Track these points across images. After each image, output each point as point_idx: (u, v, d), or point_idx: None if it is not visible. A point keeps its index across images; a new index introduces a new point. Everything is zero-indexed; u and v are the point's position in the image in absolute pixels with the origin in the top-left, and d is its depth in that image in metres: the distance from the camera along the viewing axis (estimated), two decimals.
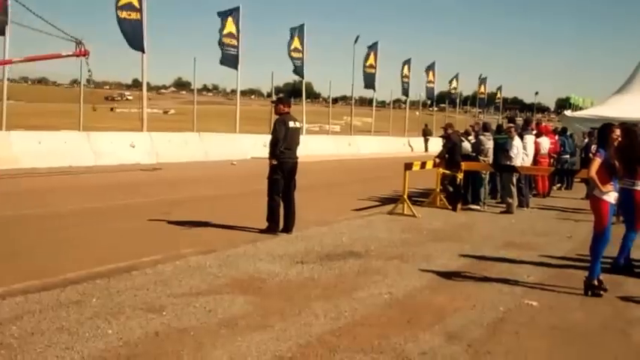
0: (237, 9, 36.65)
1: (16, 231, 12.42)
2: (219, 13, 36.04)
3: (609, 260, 10.54)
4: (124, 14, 29.81)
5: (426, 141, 55.13)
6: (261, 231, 12.74)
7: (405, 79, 57.07)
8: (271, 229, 12.75)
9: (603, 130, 9.62)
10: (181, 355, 6.26)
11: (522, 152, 18.13)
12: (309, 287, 9.00)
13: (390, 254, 11.39)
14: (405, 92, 58.46)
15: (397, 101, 76.46)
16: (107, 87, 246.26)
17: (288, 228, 12.87)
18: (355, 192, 20.50)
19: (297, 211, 12.93)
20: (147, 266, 9.63)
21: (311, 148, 35.52)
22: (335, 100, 61.04)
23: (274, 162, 12.65)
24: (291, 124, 12.74)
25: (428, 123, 59.49)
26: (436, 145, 44.36)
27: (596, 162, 9.23)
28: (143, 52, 31.09)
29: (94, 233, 12.49)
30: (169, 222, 13.77)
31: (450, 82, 69.65)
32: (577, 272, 10.29)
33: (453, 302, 8.59)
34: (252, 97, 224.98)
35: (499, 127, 21.70)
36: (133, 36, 30.49)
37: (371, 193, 20.41)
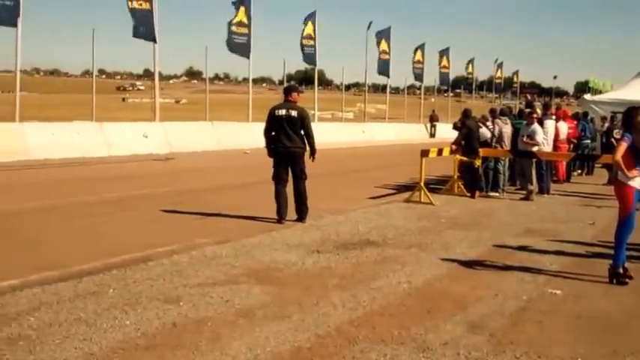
0: None
1: (31, 222, 12.51)
2: (234, 3, 35.93)
3: (634, 247, 10.47)
4: (134, 4, 29.69)
5: (433, 127, 55.08)
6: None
7: (418, 65, 56.80)
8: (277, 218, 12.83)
9: (629, 113, 9.49)
10: (199, 346, 6.25)
11: (542, 137, 18.03)
12: (326, 277, 8.98)
13: (407, 243, 11.36)
14: (418, 78, 58.14)
15: (411, 87, 76.35)
16: (119, 77, 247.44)
17: (299, 217, 12.88)
18: (370, 180, 20.47)
19: (312, 200, 12.89)
20: (163, 256, 9.66)
21: (324, 135, 35.49)
22: (348, 87, 60.97)
23: (267, 151, 12.95)
24: (277, 112, 12.75)
25: (435, 109, 59.30)
26: (444, 131, 44.37)
27: (622, 146, 9.12)
28: (155, 41, 31.01)
29: (109, 224, 12.55)
30: (183, 212, 13.78)
31: (466, 67, 69.44)
32: (601, 260, 10.23)
33: (474, 291, 8.55)
34: (264, 85, 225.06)
35: (520, 112, 21.56)
36: (144, 26, 30.37)
37: (386, 181, 20.37)
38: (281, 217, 12.78)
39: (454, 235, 12.20)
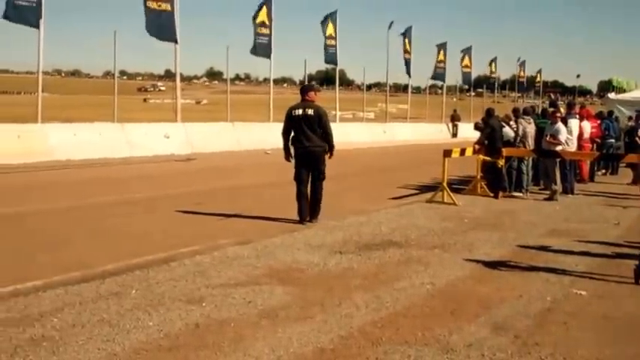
0: None
1: (54, 223, 12.60)
2: (259, 6, 35.99)
3: None
4: (153, 5, 29.74)
5: (455, 127, 54.90)
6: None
7: (440, 64, 56.66)
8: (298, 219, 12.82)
9: None
10: (222, 347, 6.25)
11: (566, 136, 17.94)
12: (348, 277, 8.96)
13: (430, 243, 11.33)
14: (439, 77, 57.94)
15: (433, 87, 76.10)
16: (140, 78, 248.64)
17: (310, 217, 12.84)
18: (392, 180, 20.42)
19: (333, 200, 12.88)
20: (185, 257, 9.67)
21: (345, 135, 35.50)
22: (369, 87, 60.82)
23: (284, 153, 12.99)
24: (294, 112, 12.76)
25: (456, 108, 59.09)
26: (466, 130, 44.15)
27: None
28: (176, 42, 31.10)
29: (131, 224, 12.61)
30: (205, 212, 13.81)
31: (489, 66, 69.20)
32: (626, 260, 10.14)
33: (498, 292, 8.50)
34: (285, 85, 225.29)
35: (544, 111, 21.45)
36: (164, 27, 30.41)
37: (408, 181, 20.33)
38: (302, 218, 12.76)
39: (477, 236, 12.15)
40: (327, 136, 12.67)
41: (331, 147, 12.76)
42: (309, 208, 12.83)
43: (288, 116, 12.83)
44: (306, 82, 40.74)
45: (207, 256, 9.83)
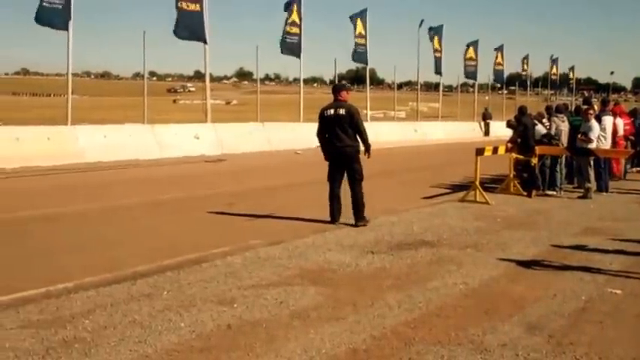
0: None
1: (84, 224, 12.70)
2: (286, 5, 36.02)
3: None
4: (184, 5, 29.85)
5: (487, 125, 54.61)
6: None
7: (471, 62, 56.46)
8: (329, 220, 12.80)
9: None
10: (254, 348, 6.28)
11: (601, 134, 17.82)
12: (380, 277, 8.96)
13: (463, 243, 11.30)
14: (470, 76, 57.75)
15: (464, 85, 75.86)
16: (169, 79, 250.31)
17: (355, 221, 12.69)
18: (424, 179, 20.38)
19: (365, 200, 12.79)
20: (216, 258, 9.72)
21: (376, 135, 35.42)
22: (400, 86, 60.60)
23: (322, 152, 12.94)
24: (326, 112, 12.72)
25: (487, 107, 58.78)
26: (498, 129, 43.91)
27: None
28: (205, 43, 31.17)
29: (162, 225, 12.70)
30: (236, 213, 13.88)
31: (522, 63, 68.86)
32: None
33: (532, 292, 8.48)
34: (315, 85, 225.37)
35: (577, 108, 21.30)
36: (194, 27, 30.50)
37: (440, 180, 20.28)
38: (334, 218, 12.74)
39: (511, 235, 12.10)
40: (360, 135, 12.54)
41: (367, 146, 12.57)
42: (353, 211, 12.74)
43: (321, 117, 12.80)
44: (337, 82, 40.77)
45: (239, 256, 9.87)
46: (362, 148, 12.60)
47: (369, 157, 12.62)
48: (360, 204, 12.69)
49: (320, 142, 12.92)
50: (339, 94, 12.83)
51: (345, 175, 12.74)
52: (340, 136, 12.51)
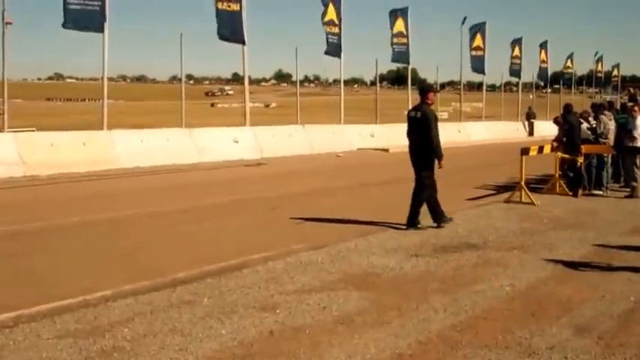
0: None
1: (123, 231, 12.79)
2: (324, 3, 36.00)
3: None
4: (222, 6, 29.95)
5: (531, 124, 54.19)
6: None
7: (516, 60, 56.15)
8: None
9: None
10: (298, 354, 6.31)
11: None
12: (425, 281, 8.97)
13: (509, 244, 11.27)
14: (515, 74, 57.45)
15: (508, 84, 75.45)
16: (207, 82, 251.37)
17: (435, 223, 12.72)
18: (468, 180, 20.30)
19: (406, 202, 12.68)
20: (257, 263, 9.77)
21: None
22: (442, 86, 60.40)
23: None
24: (409, 114, 12.84)
25: (531, 105, 58.34)
26: (544, 128, 43.53)
27: None
28: (244, 44, 31.18)
29: (202, 231, 12.76)
30: (277, 217, 13.95)
31: (565, 61, 68.33)
32: None
33: (580, 293, 8.44)
34: (355, 86, 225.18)
35: (623, 106, 21.12)
36: (232, 28, 30.50)
37: (485, 181, 20.20)
38: (409, 221, 12.69)
39: (557, 236, 12.04)
40: (430, 142, 12.36)
41: (437, 154, 12.43)
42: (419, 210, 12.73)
43: (407, 117, 12.91)
44: (378, 83, 40.83)
45: (280, 261, 9.92)
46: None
47: (440, 167, 12.57)
48: (415, 207, 12.62)
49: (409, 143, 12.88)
50: (426, 97, 12.73)
51: None
52: (413, 139, 12.63)
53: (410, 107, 12.84)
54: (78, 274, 9.47)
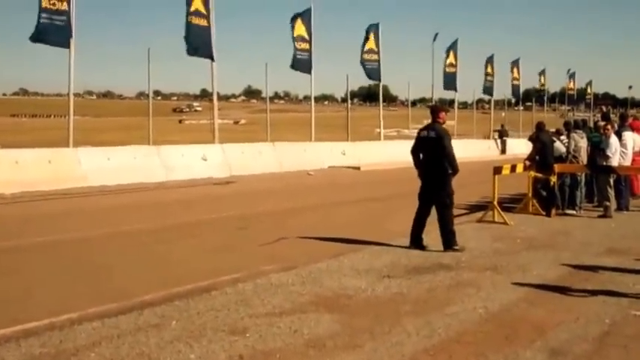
0: (308, 10, 36.74)
1: (90, 251, 12.67)
2: (292, 19, 36.12)
3: None
4: (193, 20, 29.95)
5: (503, 142, 54.58)
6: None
7: (489, 78, 56.59)
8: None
9: None
10: None
11: (621, 150, 17.76)
12: (398, 303, 8.95)
13: (482, 265, 11.28)
14: (488, 91, 57.95)
15: (480, 101, 75.91)
16: (175, 98, 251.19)
17: (444, 245, 12.64)
18: None
19: (379, 222, 12.93)
20: (226, 285, 9.68)
21: (389, 154, 35.49)
22: (414, 103, 60.70)
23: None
24: (422, 133, 13.00)
25: (504, 123, 58.82)
26: (517, 145, 43.76)
27: None
28: (212, 60, 31.25)
29: (170, 251, 12.67)
30: (246, 237, 13.90)
31: (539, 78, 68.89)
32: None
33: (554, 315, 8.45)
34: (326, 103, 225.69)
35: (595, 124, 21.26)
36: (201, 43, 30.56)
37: (458, 200, 19.87)
38: (412, 240, 12.73)
39: (531, 256, 12.08)
40: (447, 159, 12.60)
41: (454, 171, 12.70)
42: (441, 236, 12.71)
43: (417, 136, 13.08)
44: (349, 99, 40.94)
45: (250, 283, 9.83)
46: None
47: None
48: (449, 229, 12.68)
49: (413, 160, 13.02)
50: (438, 116, 12.94)
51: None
52: (430, 159, 12.72)
53: (421, 126, 12.93)
54: (43, 296, 9.35)
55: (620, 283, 10.11)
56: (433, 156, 12.64)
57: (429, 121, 12.92)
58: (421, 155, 12.90)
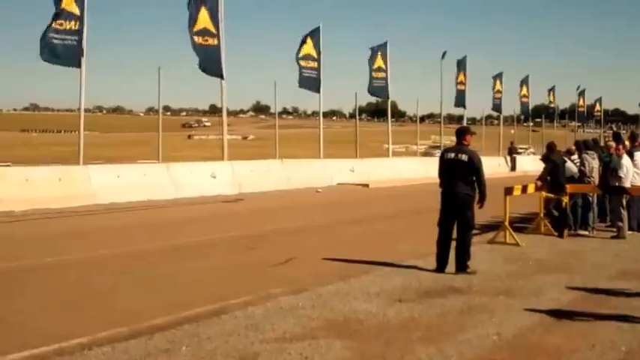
0: (317, 30, 36.88)
1: (99, 272, 12.58)
2: (302, 39, 36.23)
3: None
4: (200, 40, 30.00)
5: (513, 160, 54.48)
6: None
7: (498, 95, 56.60)
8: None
9: None
10: None
11: (633, 171, 17.63)
12: (410, 329, 8.86)
13: (494, 289, 11.18)
14: (497, 108, 57.96)
15: (489, 117, 75.78)
16: (184, 113, 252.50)
17: (456, 267, 12.61)
18: None
19: (389, 242, 12.79)
20: (236, 309, 9.60)
21: (398, 170, 35.44)
22: (422, 119, 60.60)
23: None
24: (447, 155, 12.98)
25: (513, 140, 58.77)
26: (525, 163, 43.60)
27: None
28: (222, 78, 31.24)
29: (179, 273, 12.56)
30: (255, 258, 13.82)
31: (548, 95, 68.86)
32: None
33: (569, 342, 8.36)
34: (334, 118, 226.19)
35: (606, 144, 21.12)
36: (210, 62, 30.56)
37: None
38: (439, 265, 12.65)
39: (544, 280, 11.97)
40: (480, 185, 12.59)
41: (483, 196, 12.64)
42: (455, 257, 12.68)
43: (441, 158, 13.12)
44: (357, 115, 40.91)
45: (260, 307, 9.76)
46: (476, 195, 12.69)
47: (480, 207, 12.76)
48: (465, 252, 12.67)
49: (441, 182, 13.08)
50: (464, 139, 12.91)
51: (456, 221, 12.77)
52: (457, 182, 12.63)
53: (444, 148, 12.93)
54: (52, 320, 9.24)
55: (635, 308, 10.01)
56: (460, 178, 12.60)
57: (444, 139, 12.86)
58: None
